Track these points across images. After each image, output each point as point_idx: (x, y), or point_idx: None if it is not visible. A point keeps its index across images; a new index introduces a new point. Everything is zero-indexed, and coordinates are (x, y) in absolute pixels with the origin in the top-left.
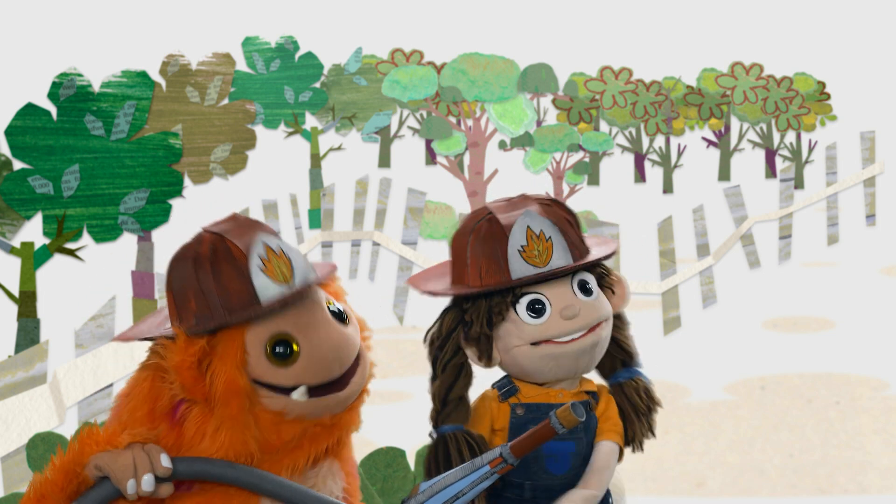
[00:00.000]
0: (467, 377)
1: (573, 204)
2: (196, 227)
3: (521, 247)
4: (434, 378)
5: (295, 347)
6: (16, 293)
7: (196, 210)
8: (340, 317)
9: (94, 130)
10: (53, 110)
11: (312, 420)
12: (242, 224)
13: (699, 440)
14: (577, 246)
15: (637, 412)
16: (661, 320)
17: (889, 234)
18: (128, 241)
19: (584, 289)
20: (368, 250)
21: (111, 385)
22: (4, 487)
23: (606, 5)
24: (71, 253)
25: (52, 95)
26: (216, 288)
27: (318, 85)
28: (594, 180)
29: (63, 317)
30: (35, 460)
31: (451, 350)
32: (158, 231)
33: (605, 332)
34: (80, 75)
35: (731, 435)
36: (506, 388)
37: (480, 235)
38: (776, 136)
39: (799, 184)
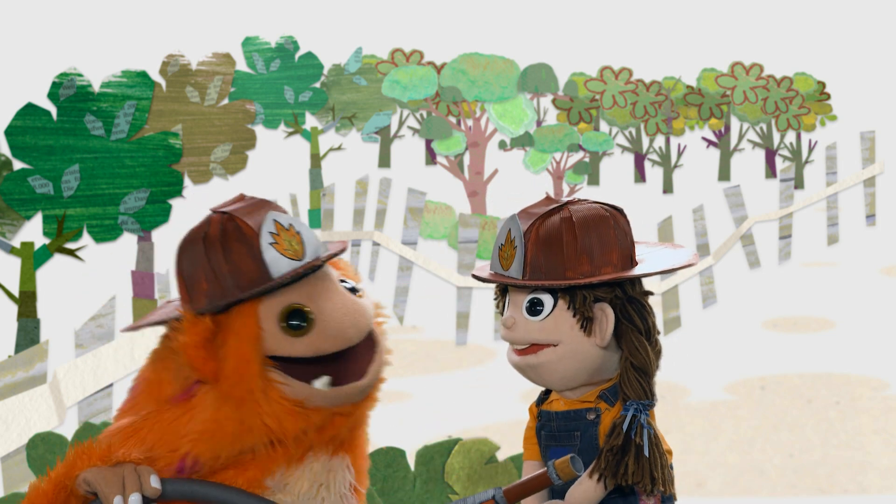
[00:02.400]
0: None
1: None
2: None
3: (500, 245)
4: None
5: (310, 317)
6: (16, 293)
7: (196, 210)
8: (353, 291)
9: (94, 130)
10: (53, 110)
11: (332, 409)
12: (251, 203)
13: (699, 440)
14: (546, 266)
15: (601, 450)
16: (662, 320)
17: (889, 234)
18: (128, 241)
19: (531, 308)
20: (368, 250)
21: (111, 385)
22: (4, 487)
23: (606, 5)
24: (71, 253)
25: (52, 95)
26: (227, 266)
27: (318, 85)
28: (594, 180)
29: (63, 317)
30: (35, 460)
31: None
32: (158, 231)
33: (548, 357)
34: (80, 75)
35: (731, 435)
36: (541, 394)
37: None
38: (776, 136)
39: (799, 184)
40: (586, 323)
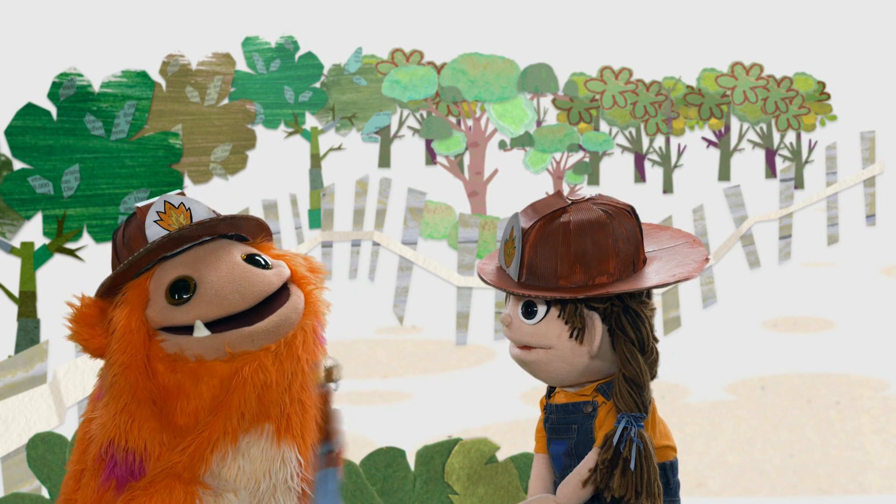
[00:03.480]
0: None
1: None
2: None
3: (505, 240)
4: None
5: (192, 286)
6: (16, 293)
7: None
8: (258, 263)
9: (94, 130)
10: (53, 110)
11: (218, 361)
12: (165, 194)
13: (699, 440)
14: (540, 271)
15: (594, 461)
16: (661, 320)
17: (889, 234)
18: None
19: (526, 310)
20: (368, 250)
21: None
22: (4, 487)
23: (606, 5)
24: (71, 253)
25: (52, 95)
26: (123, 249)
27: (318, 85)
28: (594, 180)
29: (63, 317)
30: (35, 460)
31: None
32: None
33: (539, 358)
34: (80, 75)
35: (731, 435)
36: (549, 387)
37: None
38: (776, 136)
39: (799, 184)
40: (577, 332)
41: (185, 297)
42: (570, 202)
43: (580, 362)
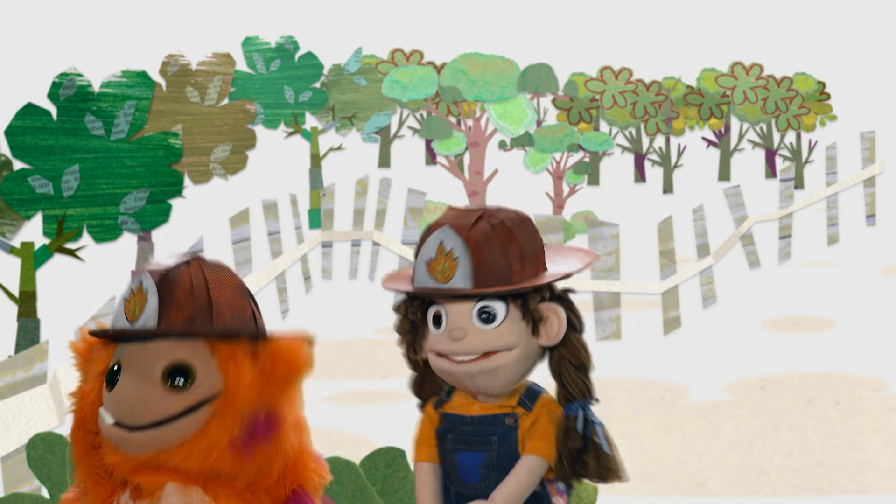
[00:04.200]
0: (422, 372)
1: (573, 204)
2: (196, 228)
3: (430, 259)
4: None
5: (115, 379)
6: (16, 293)
7: (196, 210)
8: (173, 380)
9: (94, 130)
10: (53, 110)
11: (128, 456)
12: (163, 260)
13: (699, 440)
14: (493, 272)
15: (559, 452)
16: (661, 320)
17: (889, 234)
18: (128, 241)
19: (483, 316)
20: (368, 250)
21: None
22: (4, 487)
23: (606, 5)
24: (71, 253)
25: (52, 95)
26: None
27: (318, 85)
28: (594, 180)
29: (63, 317)
30: (35, 460)
31: (404, 346)
32: (158, 231)
33: (504, 361)
34: (80, 75)
35: (731, 435)
36: (440, 397)
37: (422, 240)
38: (776, 136)
39: (799, 184)
40: (535, 325)
41: (110, 382)
42: (480, 211)
43: (534, 358)
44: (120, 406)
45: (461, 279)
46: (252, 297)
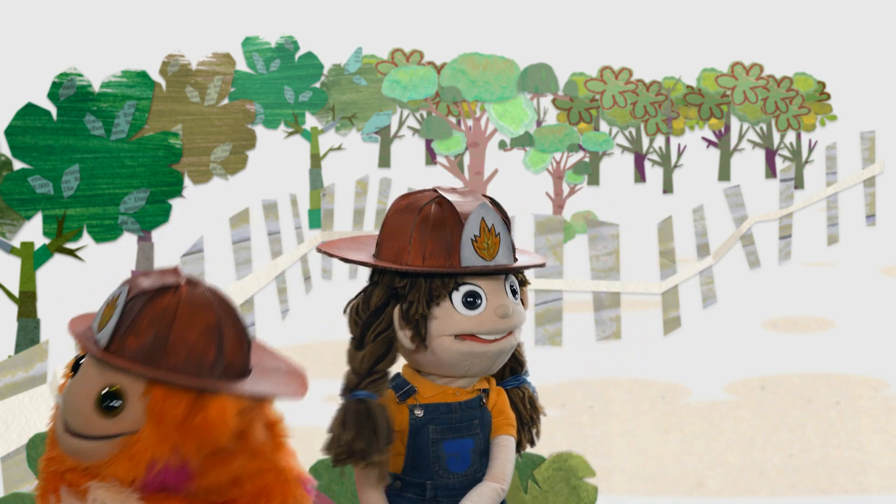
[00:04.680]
0: (394, 353)
1: (573, 204)
2: (196, 228)
3: (475, 237)
4: (360, 346)
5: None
6: (16, 293)
7: (196, 210)
8: (104, 402)
9: (94, 130)
10: (53, 110)
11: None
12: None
13: (699, 440)
14: (514, 249)
15: (521, 421)
16: (661, 320)
17: (889, 234)
18: (128, 241)
19: (514, 292)
20: None
21: None
22: (4, 487)
23: (606, 5)
24: (71, 253)
25: (52, 95)
26: None
27: (318, 85)
28: (594, 180)
29: (63, 317)
30: (35, 460)
31: (385, 321)
32: (158, 231)
33: (518, 337)
34: (80, 75)
35: (731, 435)
36: (403, 390)
37: (430, 217)
38: (776, 136)
39: (799, 184)
40: (520, 300)
41: (73, 374)
42: (470, 189)
43: None
44: (64, 403)
45: (504, 255)
46: (224, 336)
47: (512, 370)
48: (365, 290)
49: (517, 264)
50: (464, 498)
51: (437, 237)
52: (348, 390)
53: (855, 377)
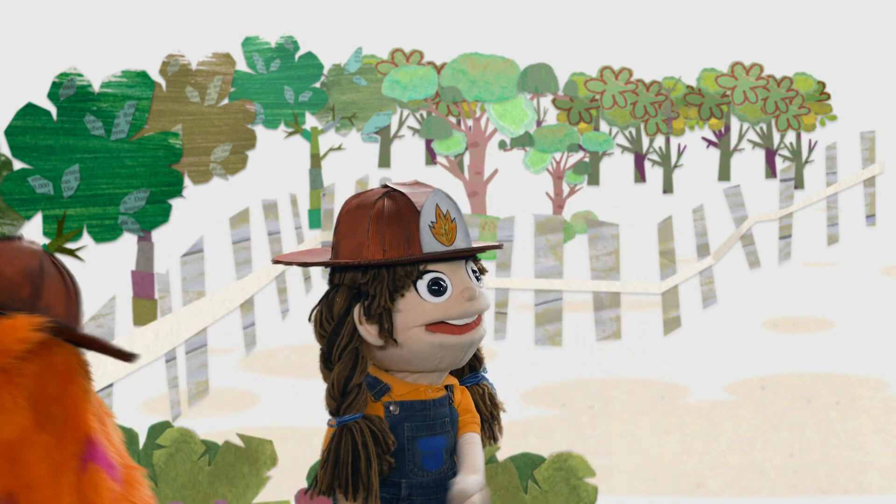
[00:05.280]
0: (364, 363)
1: (573, 204)
2: (196, 228)
3: (431, 223)
4: (330, 365)
5: None
6: None
7: (196, 210)
8: None
9: (94, 130)
10: (53, 110)
11: None
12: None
13: (699, 440)
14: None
15: (482, 418)
16: (661, 320)
17: (889, 234)
18: (128, 241)
19: (476, 275)
20: None
21: (111, 385)
22: None
23: (606, 5)
24: (71, 253)
25: (52, 95)
26: None
27: (318, 85)
28: (594, 180)
29: None
30: None
31: (347, 334)
32: (158, 231)
33: (485, 329)
34: (80, 75)
35: (731, 435)
36: (378, 388)
37: (384, 209)
38: (776, 136)
39: (799, 184)
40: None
41: None
42: (415, 180)
43: None
44: None
45: (463, 240)
46: (44, 283)
47: (471, 367)
48: (327, 295)
49: (477, 245)
50: (461, 478)
51: (395, 228)
52: (334, 414)
53: (855, 377)
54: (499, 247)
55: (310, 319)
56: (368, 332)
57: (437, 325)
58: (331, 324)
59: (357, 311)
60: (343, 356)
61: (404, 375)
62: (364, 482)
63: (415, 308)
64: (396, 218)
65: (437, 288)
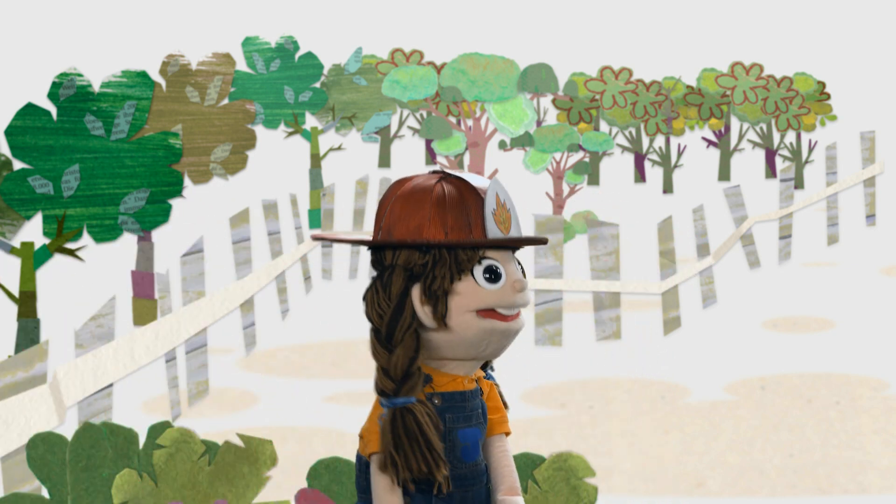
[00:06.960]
0: (421, 346)
1: (573, 204)
2: (196, 228)
3: (493, 210)
4: (389, 344)
5: None
6: (16, 293)
7: (196, 210)
8: None
9: (94, 130)
10: (53, 110)
11: None
12: None
13: (699, 440)
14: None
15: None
16: (661, 320)
17: (889, 234)
18: (128, 241)
19: (520, 266)
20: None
21: (111, 385)
22: (4, 487)
23: (606, 5)
24: (71, 253)
25: (52, 95)
26: None
27: (318, 85)
28: (594, 180)
29: (63, 317)
30: (35, 460)
31: (409, 316)
32: (158, 231)
33: (523, 320)
34: (80, 75)
35: (731, 435)
36: (425, 377)
37: (446, 194)
38: (776, 136)
39: (799, 184)
40: None
41: None
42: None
43: None
44: None
45: (516, 229)
46: None
47: (481, 366)
48: (381, 277)
49: (528, 237)
50: (508, 499)
51: (457, 212)
52: (385, 395)
53: (855, 377)
54: (544, 241)
55: (364, 299)
56: (424, 312)
57: (488, 312)
58: (389, 304)
59: (416, 291)
60: (406, 337)
61: (440, 364)
62: (435, 457)
63: (470, 293)
64: (459, 202)
65: (490, 276)
